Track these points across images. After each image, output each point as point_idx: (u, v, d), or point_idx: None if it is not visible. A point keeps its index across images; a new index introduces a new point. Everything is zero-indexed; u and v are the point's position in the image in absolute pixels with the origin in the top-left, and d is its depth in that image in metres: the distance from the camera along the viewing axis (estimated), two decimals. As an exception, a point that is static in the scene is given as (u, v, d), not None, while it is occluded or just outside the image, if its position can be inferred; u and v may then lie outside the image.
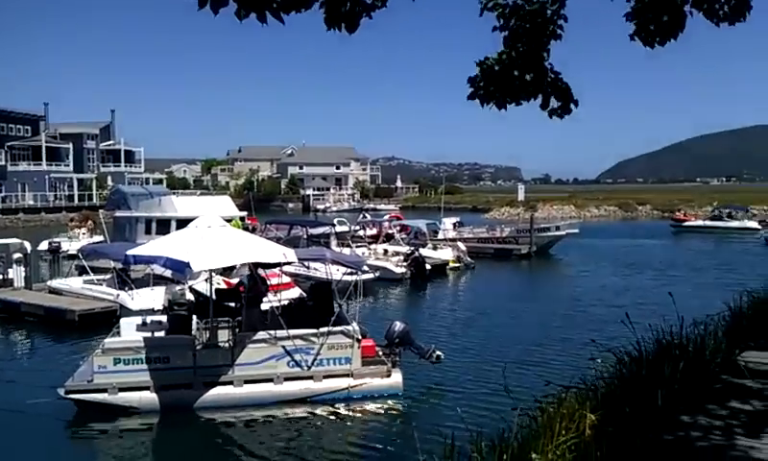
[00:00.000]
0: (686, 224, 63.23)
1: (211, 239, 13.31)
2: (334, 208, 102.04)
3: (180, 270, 13.09)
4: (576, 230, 46.60)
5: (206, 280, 15.48)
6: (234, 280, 19.75)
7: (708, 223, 61.91)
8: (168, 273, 17.12)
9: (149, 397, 13.19)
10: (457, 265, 35.71)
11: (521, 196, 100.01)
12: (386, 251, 34.45)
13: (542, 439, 4.82)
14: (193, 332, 14.18)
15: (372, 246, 35.76)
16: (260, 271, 15.20)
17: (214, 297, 14.89)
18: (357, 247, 34.17)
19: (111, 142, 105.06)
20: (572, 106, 6.23)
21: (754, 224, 60.23)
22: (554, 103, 6.19)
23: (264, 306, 14.96)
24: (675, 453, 5.23)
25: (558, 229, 45.94)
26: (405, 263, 31.97)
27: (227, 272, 20.39)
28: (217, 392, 13.41)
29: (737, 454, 5.17)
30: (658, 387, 5.74)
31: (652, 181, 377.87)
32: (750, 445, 5.30)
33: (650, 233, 58.64)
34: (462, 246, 37.87)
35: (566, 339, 18.77)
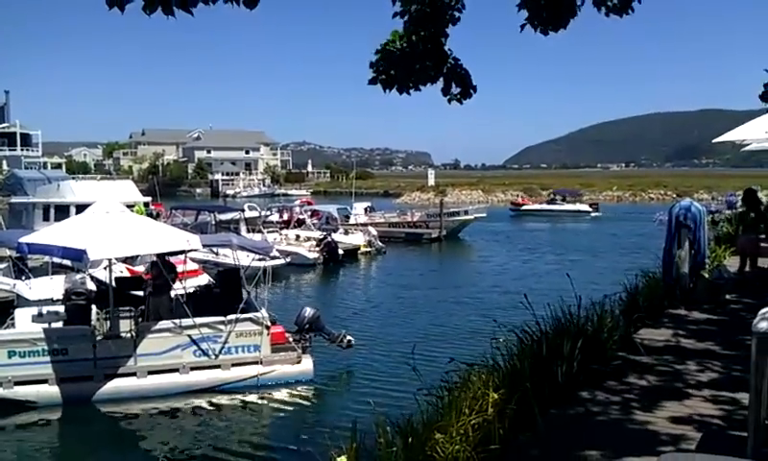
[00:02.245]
0: (524, 208, 66.39)
1: (110, 226, 12.81)
2: (244, 194, 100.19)
3: (78, 258, 12.56)
4: (484, 214, 47.70)
5: (106, 268, 14.91)
6: (138, 268, 19.13)
7: (545, 206, 65.18)
8: (66, 261, 16.41)
9: (47, 390, 12.63)
10: (368, 250, 35.87)
11: (432, 181, 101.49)
12: (298, 236, 34.22)
13: (447, 419, 4.88)
14: (93, 322, 13.66)
15: (284, 231, 35.45)
16: (168, 258, 14.77)
17: (115, 285, 14.36)
18: (269, 232, 33.75)
19: (6, 125, 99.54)
20: (471, 91, 6.32)
21: (585, 207, 64.47)
22: (454, 88, 6.25)
23: (172, 294, 14.56)
24: (575, 428, 5.40)
25: (467, 213, 46.86)
26: (318, 248, 31.86)
27: (129, 259, 19.72)
28: (119, 384, 12.98)
29: (634, 428, 5.38)
30: (558, 365, 5.91)
31: (555, 166, 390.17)
32: (645, 419, 5.52)
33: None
34: (373, 230, 38.02)
35: (473, 320, 19.17)
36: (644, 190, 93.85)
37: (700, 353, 7.47)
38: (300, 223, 37.94)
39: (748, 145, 19.54)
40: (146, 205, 36.09)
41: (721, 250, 14.92)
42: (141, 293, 14.81)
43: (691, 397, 6.06)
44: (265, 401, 13.21)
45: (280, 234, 34.37)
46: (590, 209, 63.33)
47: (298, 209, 42.07)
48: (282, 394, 13.48)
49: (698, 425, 5.35)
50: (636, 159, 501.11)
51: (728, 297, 10.52)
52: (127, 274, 18.43)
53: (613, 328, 7.53)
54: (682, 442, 5.03)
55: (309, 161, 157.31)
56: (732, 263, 13.63)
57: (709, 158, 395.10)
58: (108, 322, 13.95)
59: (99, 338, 13.26)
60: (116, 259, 15.71)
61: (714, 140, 20.01)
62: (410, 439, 4.61)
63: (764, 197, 28.95)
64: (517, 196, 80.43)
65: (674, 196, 77.11)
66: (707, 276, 11.01)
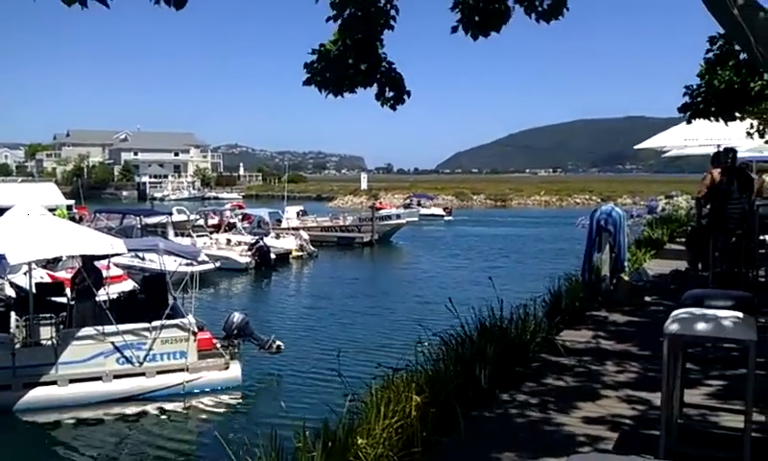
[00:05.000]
0: (382, 212, 67.31)
1: (30, 229, 12.40)
2: (173, 197, 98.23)
3: (-5, 263, 12.09)
4: (416, 219, 48.19)
5: (25, 274, 14.40)
6: (60, 274, 18.56)
7: (402, 211, 66.33)
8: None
9: None
10: (300, 254, 35.67)
11: (364, 185, 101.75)
12: (229, 240, 33.77)
13: (369, 423, 4.90)
14: (12, 330, 13.17)
15: (215, 235, 34.92)
16: (96, 262, 14.36)
17: (35, 291, 13.88)
18: (199, 237, 33.22)
19: None
20: (405, 96, 6.37)
21: (439, 211, 67.38)
22: (388, 93, 6.29)
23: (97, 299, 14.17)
24: (495, 430, 5.50)
25: (398, 217, 47.17)
26: (250, 253, 31.50)
27: (50, 264, 19.10)
28: (39, 393, 12.53)
29: (552, 429, 5.51)
30: (480, 367, 6.01)
31: (486, 171, 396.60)
32: (563, 420, 5.66)
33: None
34: (304, 234, 37.84)
35: (400, 324, 19.28)
36: (570, 195, 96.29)
37: (618, 355, 7.70)
38: (231, 227, 37.46)
39: (668, 151, 20.39)
40: (69, 208, 35.07)
41: (641, 253, 15.44)
42: (63, 299, 14.38)
43: (609, 397, 6.24)
44: (191, 409, 12.97)
45: (211, 239, 33.86)
46: (444, 213, 66.34)
47: (228, 213, 41.52)
48: (209, 401, 13.26)
49: (614, 426, 5.51)
50: (564, 165, 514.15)
51: (647, 299, 10.89)
52: (48, 279, 17.85)
53: (536, 331, 7.70)
54: (598, 442, 5.17)
55: (241, 164, 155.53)
56: (651, 266, 14.13)
57: (633, 164, 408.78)
58: (28, 329, 13.48)
59: (18, 346, 12.78)
60: (36, 265, 15.20)
61: (636, 147, 20.79)
62: (330, 444, 4.62)
63: (684, 201, 30.18)
64: (377, 200, 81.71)
65: (598, 201, 79.38)
66: (626, 278, 11.37)
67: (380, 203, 73.28)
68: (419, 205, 68.11)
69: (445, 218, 64.59)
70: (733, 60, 10.31)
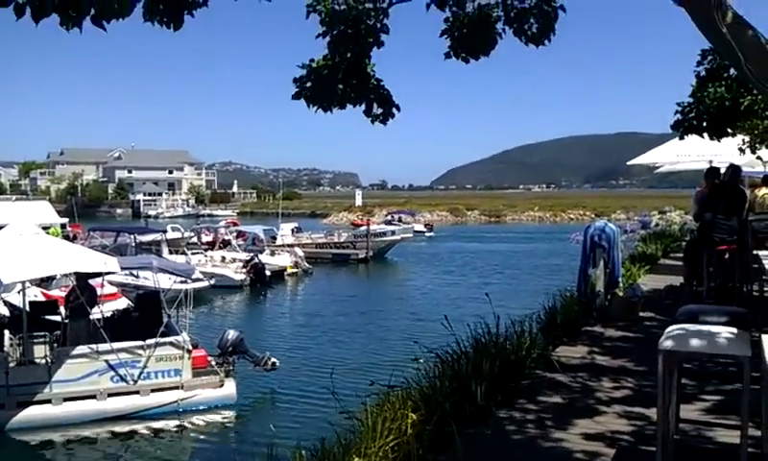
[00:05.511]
0: (363, 228, 67.00)
1: (23, 248, 12.39)
2: (167, 214, 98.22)
3: (-11, 283, 12.08)
4: (410, 235, 48.20)
5: (19, 292, 14.37)
6: (53, 292, 18.50)
7: (384, 227, 66.19)
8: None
9: None
10: (295, 271, 35.64)
11: (359, 201, 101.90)
12: (224, 258, 33.72)
13: (365, 442, 4.88)
14: (6, 348, 13.13)
15: (209, 253, 34.86)
16: (90, 280, 14.33)
17: (29, 310, 13.84)
18: (193, 254, 33.16)
19: None
20: (394, 111, 6.39)
21: (420, 227, 67.20)
22: (377, 109, 6.32)
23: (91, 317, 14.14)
24: (492, 448, 5.48)
25: (393, 233, 47.15)
26: (245, 270, 31.45)
27: (44, 283, 19.04)
28: (33, 412, 12.51)
29: (549, 445, 5.49)
30: (477, 384, 6.00)
31: (480, 187, 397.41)
32: (560, 436, 5.65)
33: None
34: (299, 251, 37.83)
35: (395, 341, 19.24)
36: (564, 211, 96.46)
37: (614, 370, 7.68)
38: (226, 244, 37.41)
39: (661, 167, 20.48)
40: (63, 226, 34.98)
41: (636, 268, 15.44)
42: (57, 318, 14.35)
43: (605, 413, 6.23)
44: (186, 428, 12.92)
45: (205, 256, 33.81)
46: (425, 230, 66.77)
47: (223, 230, 41.45)
48: (204, 419, 13.22)
49: (611, 442, 5.49)
50: (557, 181, 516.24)
51: (642, 314, 10.89)
52: (42, 298, 17.81)
53: (531, 347, 7.68)
54: (595, 458, 5.16)
55: (235, 182, 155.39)
56: (645, 281, 14.13)
57: (627, 180, 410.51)
58: (22, 348, 13.43)
59: (12, 365, 12.75)
60: (30, 283, 15.17)
61: (629, 162, 20.86)
62: (326, 463, 4.61)
63: (677, 217, 30.22)
64: (358, 217, 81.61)
65: (592, 216, 79.54)
66: (621, 294, 11.37)
67: (361, 220, 73.29)
68: (399, 221, 67.83)
69: (427, 234, 65.12)
70: (725, 74, 10.41)
